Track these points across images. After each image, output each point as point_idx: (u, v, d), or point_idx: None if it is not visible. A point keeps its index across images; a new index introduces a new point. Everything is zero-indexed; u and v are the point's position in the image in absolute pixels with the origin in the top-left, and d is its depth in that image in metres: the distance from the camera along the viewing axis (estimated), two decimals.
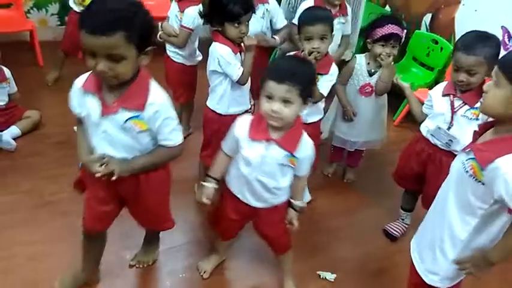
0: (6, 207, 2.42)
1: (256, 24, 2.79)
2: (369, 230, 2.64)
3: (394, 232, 2.58)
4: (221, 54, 2.18)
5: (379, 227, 2.65)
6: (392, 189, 2.89)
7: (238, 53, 2.24)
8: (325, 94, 2.31)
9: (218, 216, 2.03)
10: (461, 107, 2.06)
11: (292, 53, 2.36)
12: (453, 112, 2.08)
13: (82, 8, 3.30)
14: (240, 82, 2.24)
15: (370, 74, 2.54)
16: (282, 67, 1.71)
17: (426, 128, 2.21)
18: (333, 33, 2.28)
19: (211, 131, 2.41)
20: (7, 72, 2.93)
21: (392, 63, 2.54)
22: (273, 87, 1.62)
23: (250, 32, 2.63)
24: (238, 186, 1.87)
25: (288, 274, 2.17)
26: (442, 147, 2.15)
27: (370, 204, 2.85)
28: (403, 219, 2.62)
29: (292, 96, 1.62)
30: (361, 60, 2.57)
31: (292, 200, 1.88)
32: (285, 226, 1.93)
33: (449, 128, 2.10)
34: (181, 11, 2.77)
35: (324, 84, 2.28)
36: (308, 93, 1.68)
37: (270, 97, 1.63)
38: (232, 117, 2.32)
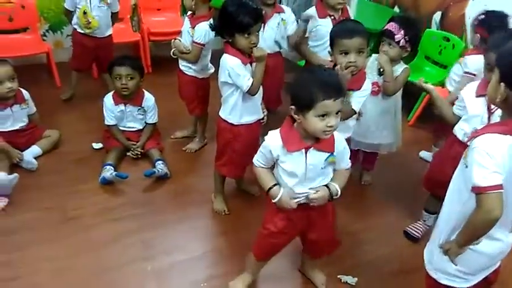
0: (30, 224, 2.48)
1: (271, 33, 2.82)
2: (388, 232, 2.62)
3: (415, 233, 2.55)
4: (231, 66, 2.20)
5: (399, 228, 2.62)
6: (410, 190, 2.87)
7: (249, 64, 2.25)
8: (357, 110, 2.25)
9: (263, 235, 1.98)
10: (498, 108, 1.96)
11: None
12: (490, 113, 2.01)
13: (87, 31, 3.40)
14: (250, 93, 2.26)
15: (380, 74, 2.54)
16: (331, 83, 1.66)
17: (462, 131, 2.13)
18: (369, 47, 2.24)
19: (224, 140, 2.44)
20: (26, 94, 3.02)
21: (404, 66, 2.53)
22: (330, 105, 1.61)
23: (265, 40, 2.66)
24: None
25: (317, 268, 2.23)
26: None
27: (388, 206, 2.83)
28: (424, 221, 2.58)
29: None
30: (374, 59, 2.57)
31: (330, 183, 1.83)
32: (331, 223, 1.98)
33: None
34: (193, 27, 2.81)
35: (356, 100, 2.22)
36: None
37: (324, 114, 1.63)
38: (245, 127, 2.38)
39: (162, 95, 3.28)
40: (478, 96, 2.05)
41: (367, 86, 2.25)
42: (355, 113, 2.26)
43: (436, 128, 3.24)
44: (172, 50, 2.93)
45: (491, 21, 2.60)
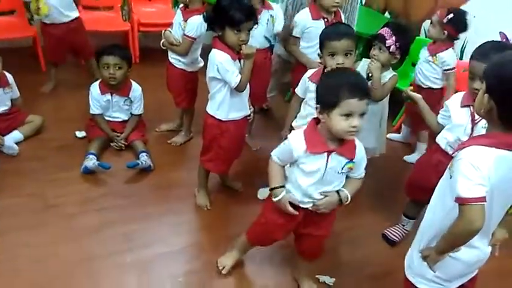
0: (9, 211, 2.45)
1: (261, 29, 2.82)
2: (368, 235, 2.65)
3: (393, 237, 2.59)
4: (220, 61, 2.20)
5: (378, 231, 2.65)
6: (390, 194, 2.91)
7: (238, 60, 2.26)
8: None
9: (261, 223, 2.02)
10: (481, 119, 2.00)
11: (314, 70, 2.35)
12: (474, 123, 2.04)
13: (37, 18, 3.34)
14: (238, 89, 2.26)
15: (368, 79, 2.56)
16: (357, 83, 1.70)
17: (445, 139, 2.17)
18: (357, 50, 2.28)
19: (211, 136, 2.44)
20: (10, 77, 2.97)
21: (393, 73, 2.55)
22: (354, 104, 1.63)
23: (255, 38, 2.65)
24: (294, 195, 1.86)
25: (308, 277, 2.24)
26: None
27: (369, 209, 2.86)
28: (403, 225, 2.62)
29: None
30: (364, 63, 2.59)
31: (341, 189, 1.86)
32: (330, 225, 2.00)
33: None
34: (185, 20, 2.80)
35: None
36: None
37: (349, 114, 1.64)
38: (232, 123, 2.38)
39: (149, 86, 3.26)
40: (463, 106, 2.09)
41: None
42: None
43: (411, 122, 3.37)
44: (162, 41, 2.92)
45: (457, 18, 2.91)
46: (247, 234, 2.12)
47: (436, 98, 2.96)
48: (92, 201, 2.60)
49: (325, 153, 1.74)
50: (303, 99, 2.40)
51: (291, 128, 2.44)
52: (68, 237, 2.33)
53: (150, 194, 2.74)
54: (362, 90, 1.67)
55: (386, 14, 4.27)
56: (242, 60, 2.26)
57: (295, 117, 2.45)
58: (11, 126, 2.98)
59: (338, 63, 2.16)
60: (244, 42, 2.22)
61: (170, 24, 2.96)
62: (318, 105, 1.71)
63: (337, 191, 1.85)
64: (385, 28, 2.47)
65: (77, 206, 2.55)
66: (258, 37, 2.79)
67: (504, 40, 3.24)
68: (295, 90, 2.46)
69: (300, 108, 2.43)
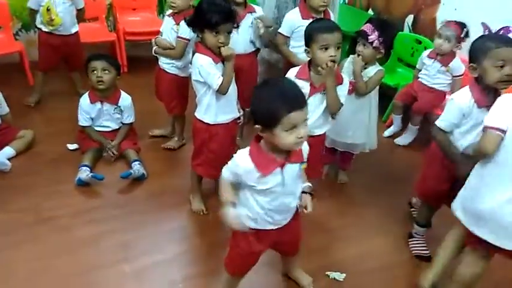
0: (3, 227, 2.44)
1: (245, 32, 2.84)
2: (365, 229, 2.66)
3: (424, 252, 2.46)
4: (201, 64, 2.22)
5: (374, 225, 2.67)
6: (384, 187, 2.94)
7: (221, 62, 2.27)
8: (343, 103, 2.30)
9: (237, 255, 1.92)
10: None
11: (298, 68, 2.35)
12: None
13: (50, 28, 3.38)
14: (220, 91, 2.26)
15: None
16: (292, 94, 1.58)
17: (464, 145, 2.10)
18: (343, 48, 2.32)
19: (201, 140, 2.45)
20: None
21: (378, 68, 2.58)
22: (296, 117, 1.52)
23: (240, 42, 2.67)
24: (262, 222, 1.78)
25: (301, 269, 2.24)
26: None
27: (364, 204, 2.88)
28: (422, 235, 2.50)
29: None
30: (350, 60, 2.61)
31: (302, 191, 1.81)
32: (300, 225, 1.93)
33: None
34: (177, 23, 2.82)
35: (342, 93, 2.28)
36: None
37: (294, 126, 1.53)
38: (221, 126, 2.39)
39: (138, 94, 3.26)
40: (480, 107, 2.02)
41: (346, 80, 2.34)
42: (342, 105, 2.31)
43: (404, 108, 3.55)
44: (154, 48, 2.92)
45: (468, 31, 3.10)
46: (227, 268, 1.99)
47: (438, 96, 3.30)
48: (86, 212, 2.60)
49: (279, 169, 1.65)
50: None
51: None
52: (63, 250, 2.33)
53: (145, 203, 2.74)
54: (299, 100, 1.56)
55: (370, 11, 4.31)
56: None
57: None
58: (3, 142, 2.98)
59: (331, 56, 2.18)
60: (223, 45, 2.22)
61: (157, 33, 2.98)
62: (259, 126, 1.58)
63: (302, 192, 1.80)
64: (368, 24, 2.51)
65: (71, 219, 2.54)
66: (242, 42, 2.80)
67: (486, 30, 3.32)
68: None
69: None
